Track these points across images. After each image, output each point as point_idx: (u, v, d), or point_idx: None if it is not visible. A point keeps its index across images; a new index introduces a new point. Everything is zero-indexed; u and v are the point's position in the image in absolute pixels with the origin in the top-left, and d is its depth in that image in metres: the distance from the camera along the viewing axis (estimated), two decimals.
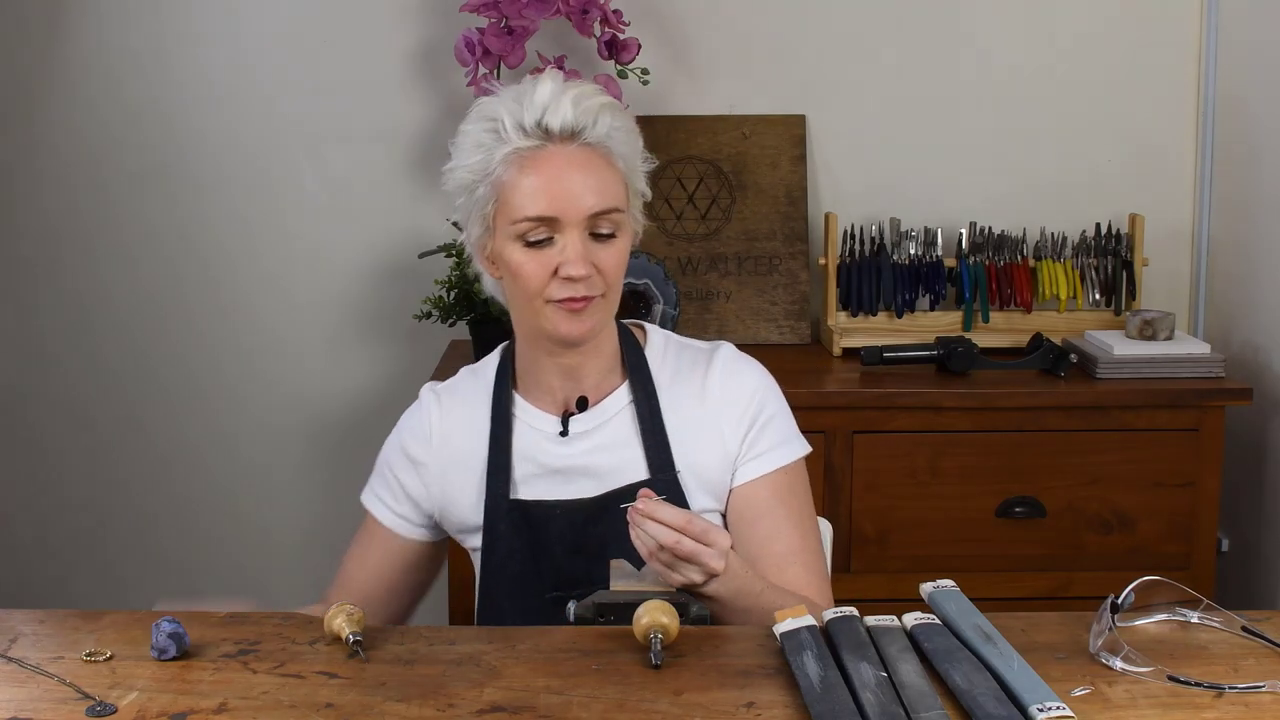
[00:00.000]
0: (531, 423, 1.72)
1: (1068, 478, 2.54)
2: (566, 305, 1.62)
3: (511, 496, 1.70)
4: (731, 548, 1.54)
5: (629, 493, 1.64)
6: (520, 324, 1.70)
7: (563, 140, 1.61)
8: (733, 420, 1.71)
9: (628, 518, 1.51)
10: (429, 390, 1.80)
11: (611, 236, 1.63)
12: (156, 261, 2.96)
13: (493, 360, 1.78)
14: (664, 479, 1.68)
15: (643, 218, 1.72)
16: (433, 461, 1.75)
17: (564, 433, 1.71)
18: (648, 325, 1.80)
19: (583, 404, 1.71)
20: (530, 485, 1.70)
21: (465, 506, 1.73)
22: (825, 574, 1.73)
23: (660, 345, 1.77)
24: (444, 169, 1.69)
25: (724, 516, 1.73)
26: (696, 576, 1.52)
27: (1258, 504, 2.72)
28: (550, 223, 1.60)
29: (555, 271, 1.61)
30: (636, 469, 1.70)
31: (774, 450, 1.72)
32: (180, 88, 2.91)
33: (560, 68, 2.63)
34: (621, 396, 1.72)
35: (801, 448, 1.75)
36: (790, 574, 1.68)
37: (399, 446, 1.78)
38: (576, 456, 1.70)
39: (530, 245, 1.61)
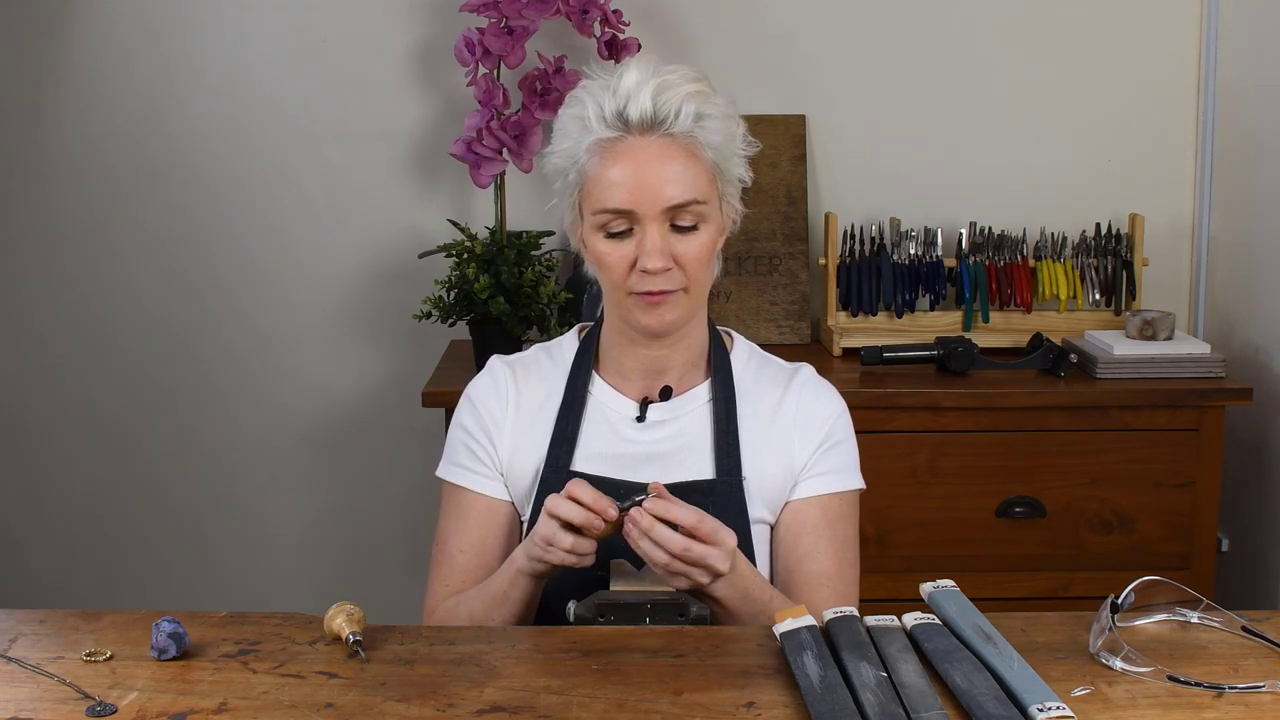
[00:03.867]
0: (607, 403, 1.72)
1: (1068, 478, 2.54)
2: (646, 299, 1.62)
3: (571, 469, 1.69)
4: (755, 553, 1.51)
5: (693, 487, 1.64)
6: (609, 310, 1.70)
7: (643, 131, 1.60)
8: (804, 438, 1.72)
9: (627, 523, 1.50)
10: (499, 360, 1.78)
11: (693, 229, 1.61)
12: (156, 261, 2.97)
13: (570, 340, 1.78)
14: (730, 482, 1.68)
15: (740, 205, 1.70)
16: (506, 422, 1.73)
17: (641, 418, 1.70)
18: (735, 334, 1.81)
19: (666, 393, 1.71)
20: (592, 463, 1.69)
21: (527, 474, 1.71)
22: (854, 606, 1.70)
23: (745, 354, 1.78)
24: (542, 153, 1.70)
25: (773, 530, 1.72)
26: (703, 579, 1.51)
27: (1258, 504, 2.71)
28: (628, 215, 1.60)
29: (635, 262, 1.60)
30: (703, 467, 1.69)
31: (833, 474, 1.72)
32: (180, 88, 2.91)
33: (558, 69, 2.64)
34: (702, 393, 1.72)
35: (858, 481, 1.75)
36: (819, 596, 1.67)
37: (472, 411, 1.74)
38: (648, 443, 1.70)
39: (611, 236, 1.61)
